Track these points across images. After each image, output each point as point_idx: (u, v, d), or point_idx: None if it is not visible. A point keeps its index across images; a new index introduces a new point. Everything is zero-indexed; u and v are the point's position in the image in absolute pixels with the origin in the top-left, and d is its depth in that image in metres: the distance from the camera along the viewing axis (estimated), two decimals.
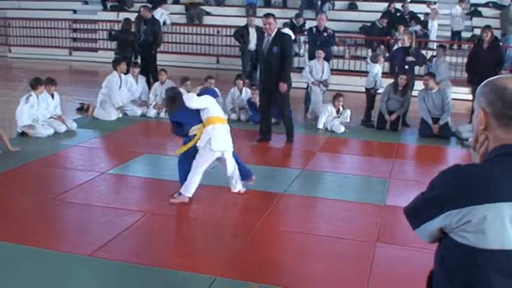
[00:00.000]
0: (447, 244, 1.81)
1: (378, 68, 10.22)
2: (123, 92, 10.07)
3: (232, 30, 14.79)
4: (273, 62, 8.12)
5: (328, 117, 9.46)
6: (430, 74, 9.62)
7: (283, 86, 8.11)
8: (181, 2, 18.83)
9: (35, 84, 8.43)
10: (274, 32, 8.15)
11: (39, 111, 8.46)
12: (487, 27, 9.93)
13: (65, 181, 6.51)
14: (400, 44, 10.67)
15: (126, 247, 4.76)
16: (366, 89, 10.22)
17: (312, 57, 11.15)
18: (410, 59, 9.66)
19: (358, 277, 4.32)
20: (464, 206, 1.71)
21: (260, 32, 13.27)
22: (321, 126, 9.40)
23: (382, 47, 15.07)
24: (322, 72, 10.59)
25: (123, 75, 10.23)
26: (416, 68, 10.88)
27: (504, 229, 1.69)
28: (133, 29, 12.39)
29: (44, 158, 7.34)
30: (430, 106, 9.23)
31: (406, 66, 9.73)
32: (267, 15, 8.26)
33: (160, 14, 16.11)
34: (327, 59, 11.16)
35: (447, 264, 1.82)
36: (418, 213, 1.88)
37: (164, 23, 16.20)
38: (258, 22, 13.68)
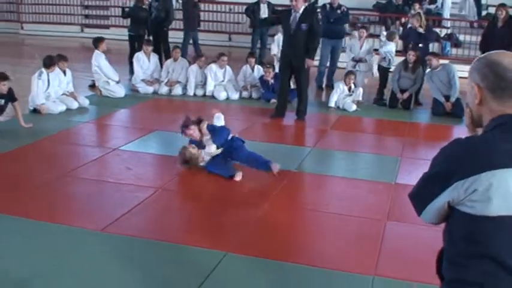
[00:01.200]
0: (455, 217, 1.84)
1: (392, 46, 10.13)
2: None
3: (245, 8, 14.67)
4: (300, 39, 8.09)
5: (340, 95, 9.41)
6: (432, 53, 9.56)
7: (310, 62, 8.22)
8: None
9: (49, 63, 8.45)
10: (301, 9, 8.07)
11: (51, 88, 8.49)
12: (502, 5, 9.81)
13: (76, 157, 6.55)
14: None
15: (137, 222, 4.80)
16: (380, 66, 10.15)
17: (324, 34, 11.03)
18: (420, 30, 9.80)
19: (368, 254, 4.33)
20: (469, 176, 1.75)
21: (272, 9, 13.19)
22: (332, 104, 9.37)
23: (397, 22, 14.91)
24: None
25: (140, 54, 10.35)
26: (431, 46, 10.81)
27: (509, 195, 1.73)
28: (145, 6, 12.35)
29: (56, 134, 7.39)
30: (439, 85, 9.18)
31: (420, 45, 9.71)
32: None
33: None
34: (341, 36, 11.09)
35: (456, 237, 1.84)
36: (423, 193, 1.91)
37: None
38: None
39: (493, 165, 1.73)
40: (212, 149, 6.05)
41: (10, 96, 7.38)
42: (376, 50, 11.05)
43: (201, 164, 6.08)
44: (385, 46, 10.20)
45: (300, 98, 8.57)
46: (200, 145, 6.09)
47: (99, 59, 9.78)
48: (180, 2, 16.55)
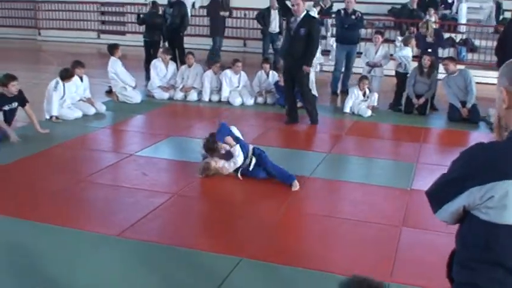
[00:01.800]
0: (469, 222, 1.84)
1: (408, 51, 10.10)
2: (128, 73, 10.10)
3: (256, 14, 14.70)
4: (298, 44, 8.14)
5: (355, 100, 9.40)
6: (449, 58, 9.52)
7: (306, 68, 8.27)
8: None
9: (65, 76, 8.46)
10: (302, 14, 8.12)
11: (67, 95, 8.53)
12: None
13: (93, 163, 6.60)
14: None
15: (153, 228, 4.83)
16: (397, 72, 10.10)
17: (339, 40, 11.06)
18: (429, 39, 9.86)
19: (383, 260, 4.32)
20: (486, 183, 1.74)
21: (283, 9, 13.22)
22: (347, 110, 9.36)
23: (411, 28, 14.86)
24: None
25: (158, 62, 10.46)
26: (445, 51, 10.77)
27: None
28: (160, 12, 12.44)
29: (73, 139, 7.45)
30: (455, 90, 9.13)
31: (429, 50, 9.71)
32: None
33: None
34: (355, 42, 11.07)
35: (469, 242, 1.84)
36: (440, 194, 1.90)
37: (193, 5, 16.35)
38: None
39: (511, 174, 1.72)
40: (239, 159, 6.07)
41: (21, 99, 7.38)
42: (391, 55, 10.99)
43: (226, 173, 6.10)
44: (401, 51, 10.17)
45: (305, 104, 8.71)
46: (229, 155, 6.09)
47: (115, 65, 9.86)
48: (196, 7, 16.79)
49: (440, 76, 10.11)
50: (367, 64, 10.33)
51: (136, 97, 9.88)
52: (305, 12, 8.23)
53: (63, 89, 8.48)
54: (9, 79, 7.21)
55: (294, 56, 8.22)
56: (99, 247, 4.43)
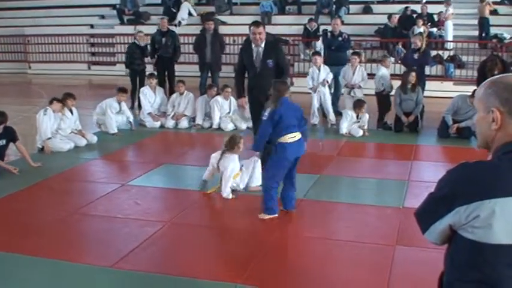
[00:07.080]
0: (457, 242, 1.84)
1: (383, 72, 10.18)
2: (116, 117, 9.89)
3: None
4: (268, 78, 6.76)
5: (349, 121, 9.46)
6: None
7: None
8: (198, 13, 18.96)
9: (52, 100, 8.51)
10: (264, 43, 7.02)
11: (57, 125, 8.54)
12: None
13: (86, 194, 6.59)
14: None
15: (146, 257, 4.81)
16: (376, 92, 10.19)
17: (326, 62, 11.13)
18: (416, 56, 9.91)
19: (378, 280, 4.32)
20: (472, 202, 1.75)
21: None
22: (344, 131, 9.37)
23: (400, 46, 15.01)
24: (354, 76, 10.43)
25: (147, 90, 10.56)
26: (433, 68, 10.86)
27: (511, 224, 1.72)
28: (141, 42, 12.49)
29: (65, 172, 7.45)
30: (460, 110, 9.12)
31: (415, 67, 9.80)
32: (257, 24, 7.12)
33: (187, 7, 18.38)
34: (343, 63, 11.15)
35: (457, 262, 1.85)
36: (427, 214, 1.91)
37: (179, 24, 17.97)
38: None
39: (497, 193, 1.72)
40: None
41: (10, 136, 7.36)
42: (369, 74, 11.02)
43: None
44: (378, 72, 10.28)
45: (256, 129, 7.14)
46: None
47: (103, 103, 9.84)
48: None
49: (427, 93, 10.18)
50: (346, 86, 10.40)
51: (112, 127, 9.65)
52: (265, 39, 7.03)
53: (53, 116, 8.43)
54: None
55: (265, 91, 6.53)
56: (92, 279, 4.41)
